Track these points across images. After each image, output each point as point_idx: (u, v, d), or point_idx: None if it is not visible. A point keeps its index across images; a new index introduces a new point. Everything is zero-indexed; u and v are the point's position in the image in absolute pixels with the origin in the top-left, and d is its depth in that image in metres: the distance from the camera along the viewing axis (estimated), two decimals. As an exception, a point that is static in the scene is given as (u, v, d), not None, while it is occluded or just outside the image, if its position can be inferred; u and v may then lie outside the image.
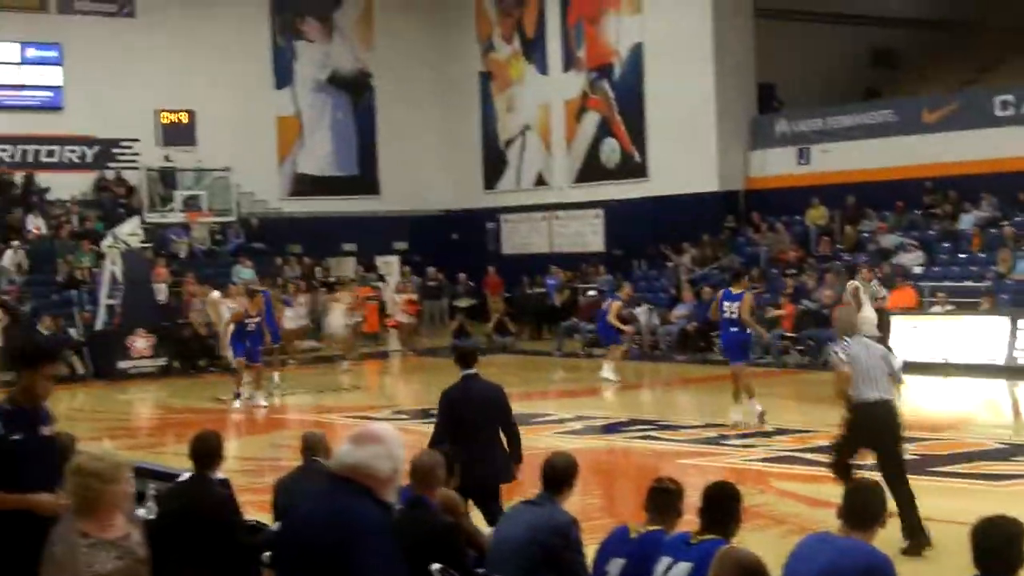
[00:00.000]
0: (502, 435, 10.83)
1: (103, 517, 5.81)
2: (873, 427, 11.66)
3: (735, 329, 19.64)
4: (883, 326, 24.71)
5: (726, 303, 19.73)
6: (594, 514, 12.41)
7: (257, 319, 23.35)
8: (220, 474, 8.80)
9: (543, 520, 7.50)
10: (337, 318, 29.96)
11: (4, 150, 36.79)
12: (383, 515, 5.21)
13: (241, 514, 8.59)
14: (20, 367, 7.37)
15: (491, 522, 9.61)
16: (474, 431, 10.57)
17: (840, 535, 6.28)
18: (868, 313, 24.10)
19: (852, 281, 25.22)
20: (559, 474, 7.77)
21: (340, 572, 5.06)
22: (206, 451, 8.55)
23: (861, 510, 6.32)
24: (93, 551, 5.76)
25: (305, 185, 41.34)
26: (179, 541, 7.53)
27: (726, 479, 7.48)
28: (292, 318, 30.79)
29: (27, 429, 7.16)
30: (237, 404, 23.17)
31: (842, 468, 11.96)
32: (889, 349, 13.91)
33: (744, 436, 18.01)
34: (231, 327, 23.93)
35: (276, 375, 25.09)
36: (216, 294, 28.02)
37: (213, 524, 7.80)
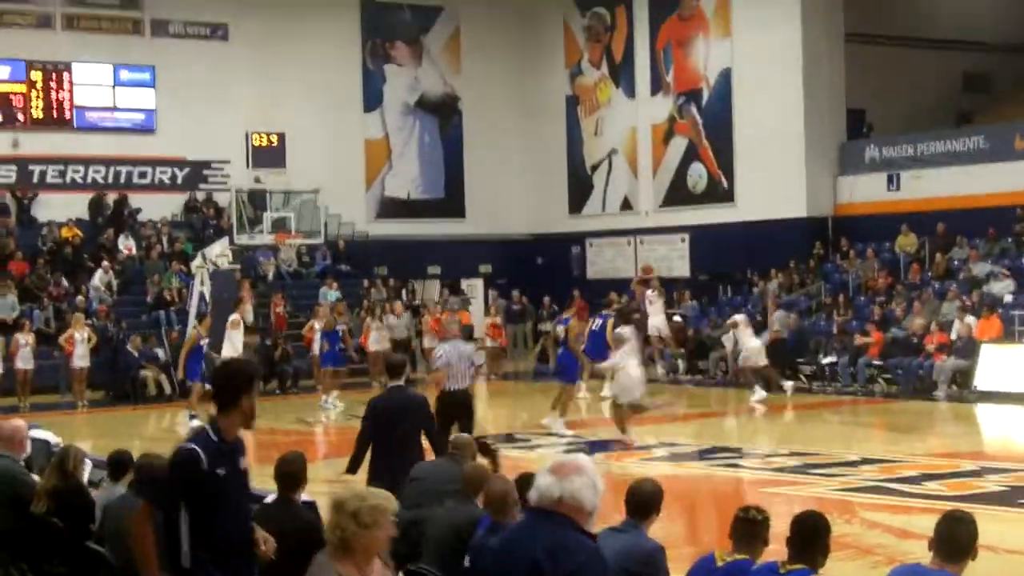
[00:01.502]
0: (425, 444, 11.76)
1: (360, 560, 5.57)
2: (455, 408, 15.33)
3: (562, 351, 22.01)
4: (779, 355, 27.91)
5: (559, 327, 22.14)
6: (678, 542, 12.31)
7: (208, 341, 25.20)
8: (305, 496, 8.82)
9: (630, 547, 7.43)
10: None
11: (97, 171, 37.37)
12: (597, 547, 5.12)
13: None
14: (236, 395, 6.73)
15: None
16: (398, 438, 11.29)
17: (931, 567, 6.19)
18: (752, 343, 26.75)
19: (737, 316, 28.11)
20: (645, 500, 7.70)
21: None
22: (291, 473, 8.57)
23: (952, 542, 6.22)
24: None
25: (392, 208, 41.60)
26: (265, 564, 7.56)
27: (814, 509, 7.39)
28: (376, 340, 30.92)
29: (229, 463, 6.69)
30: (194, 423, 23.61)
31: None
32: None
33: (827, 465, 17.82)
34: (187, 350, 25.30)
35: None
36: (233, 317, 27.96)
37: (298, 547, 7.78)
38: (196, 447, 6.59)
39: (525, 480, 8.18)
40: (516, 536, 5.25)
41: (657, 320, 29.70)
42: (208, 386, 24.68)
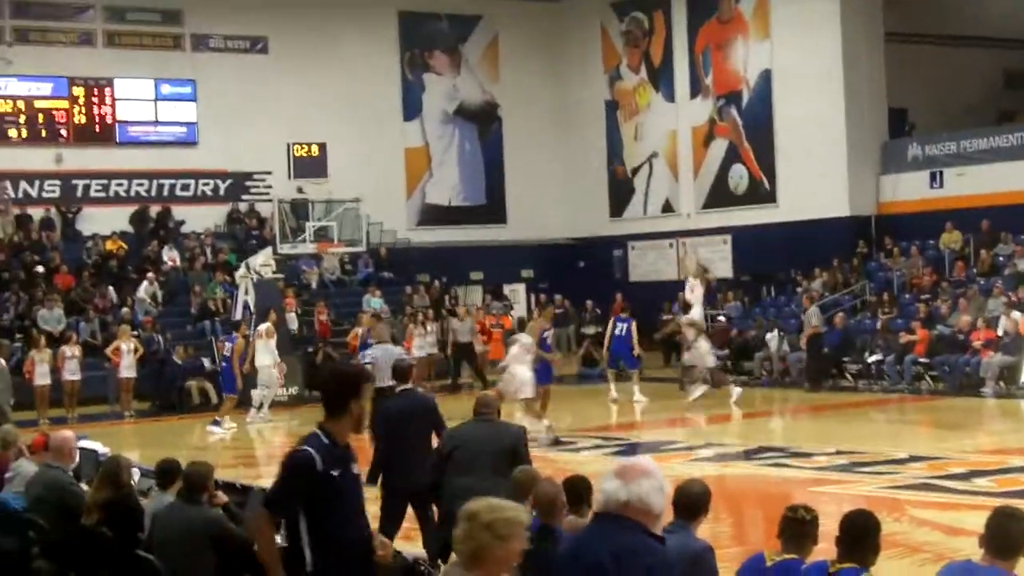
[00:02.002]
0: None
1: (492, 572, 5.34)
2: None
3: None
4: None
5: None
6: (726, 542, 12.29)
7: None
8: None
9: (679, 548, 7.36)
10: None
11: (141, 184, 37.63)
12: (666, 550, 5.02)
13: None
14: (346, 400, 6.74)
15: (423, 525, 11.15)
16: (410, 440, 11.31)
17: (982, 564, 6.15)
18: (702, 345, 26.54)
19: (688, 316, 27.49)
20: (693, 501, 7.64)
21: None
22: None
23: (1004, 539, 6.18)
24: None
25: (433, 215, 41.69)
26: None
27: (863, 507, 7.34)
28: (420, 347, 30.89)
29: (343, 467, 6.66)
30: (216, 429, 24.87)
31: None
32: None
33: (875, 463, 17.75)
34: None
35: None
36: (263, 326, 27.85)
37: None
38: (310, 448, 6.56)
39: (572, 483, 8.19)
40: (582, 541, 5.13)
41: (695, 313, 29.08)
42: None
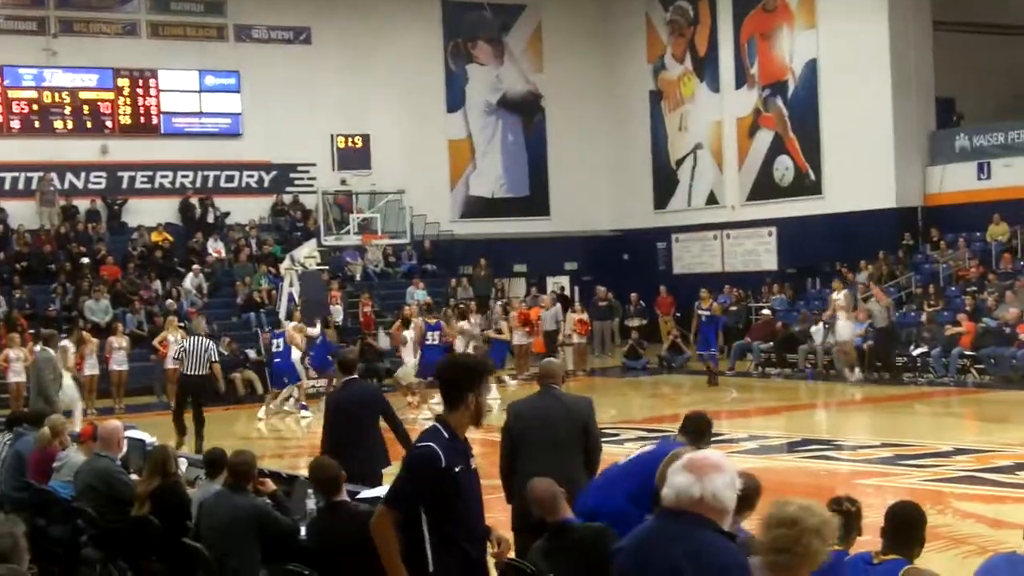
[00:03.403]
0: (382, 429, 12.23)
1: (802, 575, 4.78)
2: (191, 387, 20.72)
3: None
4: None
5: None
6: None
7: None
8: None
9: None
10: None
11: (185, 176, 37.81)
12: (736, 548, 4.73)
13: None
14: (466, 392, 6.49)
15: None
16: (355, 426, 11.77)
17: (1028, 556, 6.13)
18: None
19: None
20: (744, 494, 7.60)
21: None
22: (326, 478, 8.46)
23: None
24: None
25: (476, 207, 41.69)
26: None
27: (908, 499, 7.31)
28: (463, 342, 30.83)
29: (464, 461, 6.47)
30: (307, 413, 25.66)
31: (178, 420, 20.45)
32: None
33: (920, 456, 17.66)
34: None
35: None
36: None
37: (355, 549, 7.24)
38: (433, 444, 6.37)
39: (693, 418, 8.59)
40: (652, 538, 4.82)
41: (841, 325, 29.13)
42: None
